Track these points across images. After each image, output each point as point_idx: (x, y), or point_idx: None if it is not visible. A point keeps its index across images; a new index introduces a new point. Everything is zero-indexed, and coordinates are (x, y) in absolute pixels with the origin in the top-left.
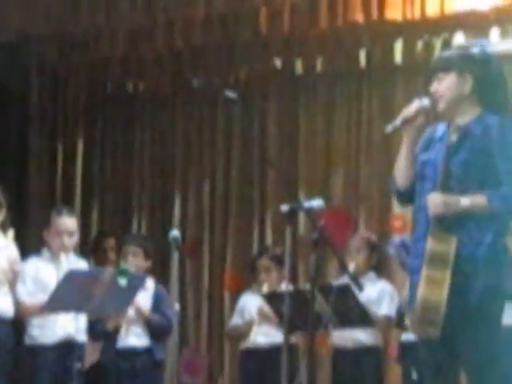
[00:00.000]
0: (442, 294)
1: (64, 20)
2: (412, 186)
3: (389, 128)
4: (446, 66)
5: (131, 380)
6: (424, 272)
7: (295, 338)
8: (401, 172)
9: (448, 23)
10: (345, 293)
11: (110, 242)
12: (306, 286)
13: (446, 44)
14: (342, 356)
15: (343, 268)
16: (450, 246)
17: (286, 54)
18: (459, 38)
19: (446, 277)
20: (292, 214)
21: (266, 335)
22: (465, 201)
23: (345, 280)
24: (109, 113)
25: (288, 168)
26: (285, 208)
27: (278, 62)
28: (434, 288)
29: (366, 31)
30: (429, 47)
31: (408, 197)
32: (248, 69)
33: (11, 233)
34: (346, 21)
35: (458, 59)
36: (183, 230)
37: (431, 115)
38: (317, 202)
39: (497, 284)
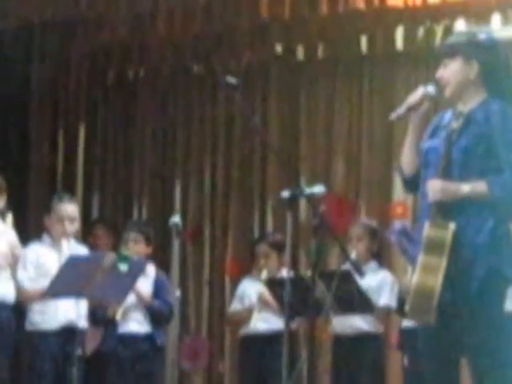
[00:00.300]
0: (437, 281)
1: (64, 7)
2: (417, 173)
3: (393, 115)
4: (452, 52)
5: (132, 366)
6: (420, 258)
7: (296, 325)
8: (406, 159)
9: (449, 10)
10: (346, 279)
11: (98, 228)
12: (306, 272)
13: (448, 31)
14: (342, 343)
15: (344, 254)
16: (447, 233)
17: (286, 40)
18: (460, 25)
19: (442, 264)
20: (293, 200)
21: (266, 321)
22: (465, 187)
23: (346, 266)
24: (110, 100)
25: (289, 154)
26: (286, 194)
27: (278, 49)
28: (430, 275)
29: (367, 17)
30: (430, 34)
31: (414, 184)
32: (249, 55)
33: (10, 218)
34: (348, 7)
35: (463, 45)
36: (184, 216)
37: (437, 102)
38: (318, 188)
39: (497, 270)
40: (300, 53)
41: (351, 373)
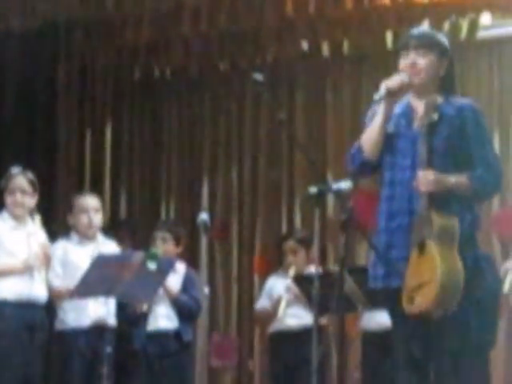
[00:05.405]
0: (459, 267)
1: (90, 6)
2: (378, 157)
3: (376, 97)
4: (430, 44)
5: (160, 362)
6: (436, 248)
7: (325, 321)
8: (373, 142)
9: (475, 4)
10: None
11: (120, 230)
12: (334, 268)
13: (473, 25)
14: (370, 339)
15: (373, 249)
16: (455, 222)
17: (312, 36)
18: (486, 19)
19: (456, 252)
20: (320, 196)
21: (295, 317)
22: (451, 179)
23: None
24: (136, 98)
25: (316, 150)
26: (313, 190)
27: (304, 45)
28: (451, 263)
29: (392, 13)
30: (455, 28)
31: (372, 168)
32: (275, 52)
33: (38, 218)
34: (373, 3)
35: (440, 40)
36: (212, 213)
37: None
38: (345, 184)
39: (477, 262)
40: (325, 49)
41: (381, 370)
